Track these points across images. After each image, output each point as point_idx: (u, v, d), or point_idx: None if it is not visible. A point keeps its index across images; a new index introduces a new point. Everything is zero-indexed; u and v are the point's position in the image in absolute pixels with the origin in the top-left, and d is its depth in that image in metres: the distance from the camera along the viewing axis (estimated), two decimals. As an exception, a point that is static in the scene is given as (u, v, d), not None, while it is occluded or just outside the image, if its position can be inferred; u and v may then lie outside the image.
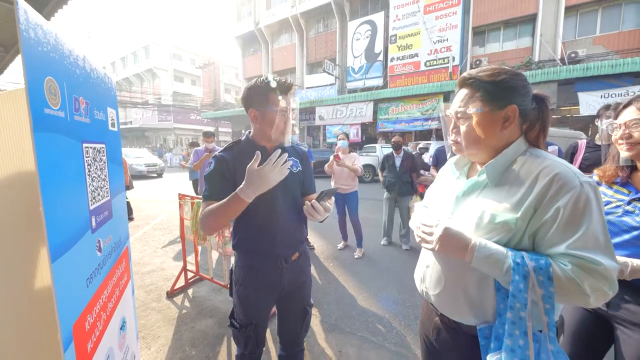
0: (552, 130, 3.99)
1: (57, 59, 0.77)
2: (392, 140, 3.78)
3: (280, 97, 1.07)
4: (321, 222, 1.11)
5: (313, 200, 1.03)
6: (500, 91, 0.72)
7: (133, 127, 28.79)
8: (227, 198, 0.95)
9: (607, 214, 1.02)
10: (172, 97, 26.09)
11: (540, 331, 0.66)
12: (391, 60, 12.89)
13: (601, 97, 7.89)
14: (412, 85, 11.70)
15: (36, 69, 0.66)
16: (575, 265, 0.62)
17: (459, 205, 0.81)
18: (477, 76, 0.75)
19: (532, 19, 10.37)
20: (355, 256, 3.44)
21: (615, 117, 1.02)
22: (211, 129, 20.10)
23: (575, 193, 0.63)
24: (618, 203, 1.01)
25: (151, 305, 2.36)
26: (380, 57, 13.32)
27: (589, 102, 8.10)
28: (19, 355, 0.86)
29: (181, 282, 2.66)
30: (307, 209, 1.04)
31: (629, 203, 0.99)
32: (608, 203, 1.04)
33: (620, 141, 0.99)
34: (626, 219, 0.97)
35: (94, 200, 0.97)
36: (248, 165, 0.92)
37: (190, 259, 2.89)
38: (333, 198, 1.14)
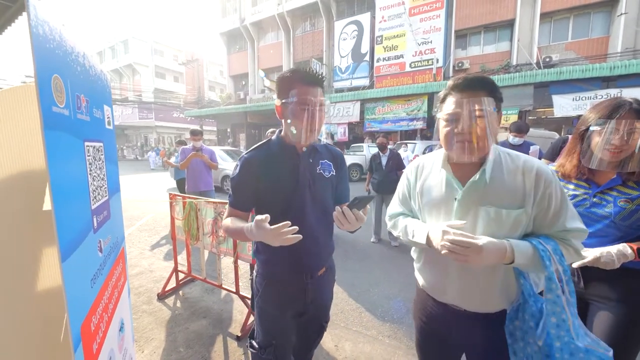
0: (531, 130, 4.23)
1: (62, 56, 0.76)
2: (377, 141, 3.89)
3: (306, 89, 0.93)
4: (352, 232, 0.95)
5: (345, 207, 0.86)
6: (500, 96, 0.82)
7: (111, 124, 27.53)
8: (239, 226, 0.90)
9: (576, 206, 1.11)
10: (154, 94, 25.19)
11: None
12: (377, 61, 13.08)
13: (573, 99, 8.39)
14: (397, 86, 11.92)
15: (45, 66, 0.65)
16: (573, 238, 0.79)
17: (462, 208, 0.83)
18: (491, 82, 0.81)
19: (510, 24, 10.85)
20: None
21: (606, 121, 1.00)
22: (197, 127, 19.59)
23: (555, 181, 0.80)
24: (584, 196, 1.12)
25: (142, 308, 2.31)
26: (367, 58, 13.47)
27: (562, 104, 8.59)
28: (27, 356, 0.84)
29: (172, 284, 2.61)
30: (337, 215, 0.86)
31: (594, 196, 1.10)
32: (575, 197, 1.14)
33: (606, 146, 0.99)
34: (595, 209, 1.09)
35: (95, 200, 0.95)
36: (257, 218, 0.79)
37: (181, 259, 2.84)
38: (368, 207, 0.92)
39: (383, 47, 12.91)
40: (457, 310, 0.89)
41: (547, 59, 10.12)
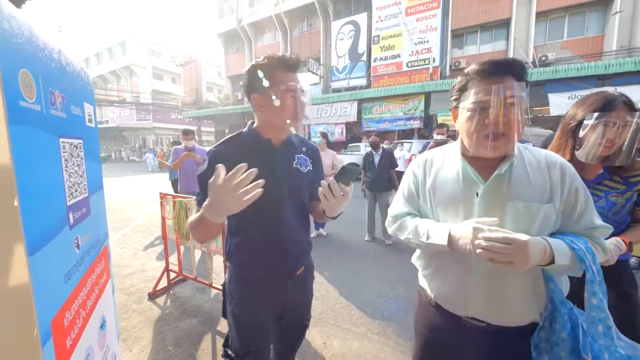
0: (528, 129, 4.25)
1: (32, 51, 0.76)
2: (370, 140, 3.92)
3: (289, 75, 0.88)
4: (334, 218, 0.90)
5: (331, 179, 0.76)
6: (528, 79, 0.72)
7: (110, 126, 27.51)
8: (197, 215, 0.80)
9: None
10: (152, 96, 25.17)
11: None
12: (374, 61, 13.11)
13: (569, 98, 8.41)
14: (394, 86, 11.95)
15: (11, 61, 0.65)
16: (600, 235, 0.74)
17: (486, 204, 0.74)
18: (520, 63, 0.71)
19: (506, 23, 10.88)
20: (312, 235, 3.86)
21: (603, 115, 1.00)
22: (193, 128, 19.60)
23: (577, 175, 0.75)
24: None
25: (132, 307, 2.30)
26: (364, 57, 13.50)
27: (558, 103, 8.62)
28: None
29: (164, 283, 2.61)
30: (322, 190, 0.78)
31: None
32: None
33: (602, 140, 0.99)
34: None
35: (71, 197, 0.95)
36: (210, 180, 0.71)
37: (173, 259, 2.84)
38: (352, 184, 0.81)
39: (380, 47, 12.93)
40: (478, 325, 0.77)
41: (543, 58, 10.16)
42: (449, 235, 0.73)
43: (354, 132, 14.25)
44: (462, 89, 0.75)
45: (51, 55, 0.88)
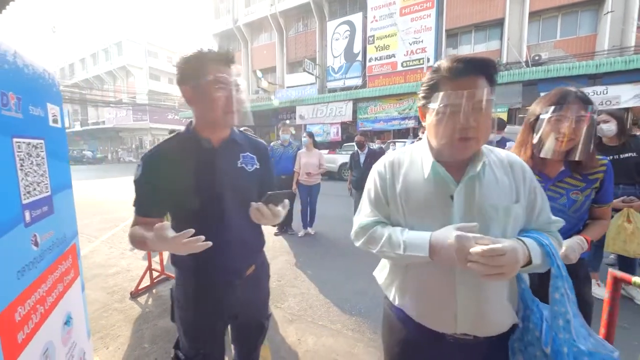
0: (517, 128, 4.29)
1: (-22, 53, 0.78)
2: (355, 139, 3.96)
3: (218, 67, 0.85)
4: (275, 226, 0.99)
5: (259, 204, 0.83)
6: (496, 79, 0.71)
7: (106, 127, 27.46)
8: (143, 236, 0.80)
9: None
10: (148, 96, 25.15)
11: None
12: (369, 61, 13.15)
13: (560, 97, 8.46)
14: (389, 85, 11.99)
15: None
16: (556, 229, 0.77)
17: (463, 207, 0.71)
18: (492, 63, 0.68)
19: (500, 23, 10.93)
20: (300, 234, 3.93)
21: (557, 108, 1.01)
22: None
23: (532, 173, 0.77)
24: None
25: (113, 306, 2.32)
26: (359, 57, 13.54)
27: (550, 102, 8.67)
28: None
29: (147, 282, 2.63)
30: (251, 212, 0.85)
31: (548, 189, 1.09)
32: None
33: (556, 135, 1.00)
34: (551, 203, 1.05)
35: (28, 195, 0.98)
36: (155, 227, 0.72)
37: (158, 258, 2.86)
38: (287, 202, 0.90)
39: (375, 46, 12.98)
40: (463, 339, 0.72)
41: (537, 57, 10.21)
42: (430, 245, 0.67)
43: (349, 132, 14.29)
44: (432, 88, 0.70)
45: (4, 57, 0.90)
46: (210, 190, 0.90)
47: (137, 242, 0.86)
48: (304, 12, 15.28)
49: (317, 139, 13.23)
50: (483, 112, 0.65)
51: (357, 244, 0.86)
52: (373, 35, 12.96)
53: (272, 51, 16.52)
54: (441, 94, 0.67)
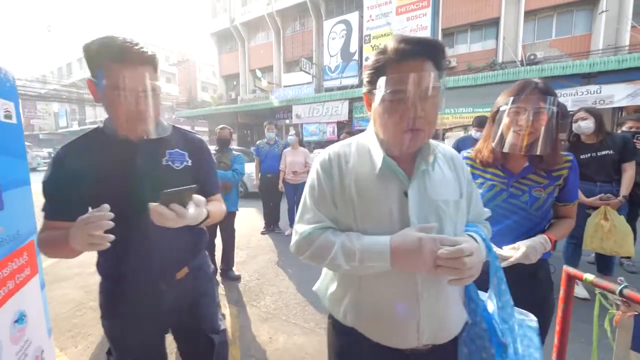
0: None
1: None
2: (341, 137, 3.95)
3: (118, 68, 0.72)
4: (198, 225, 0.83)
5: (156, 204, 0.70)
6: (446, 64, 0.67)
7: (104, 126, 27.42)
8: (58, 236, 0.73)
9: (495, 197, 1.07)
10: (146, 95, 25.06)
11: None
12: (366, 60, 13.07)
13: (555, 96, 8.45)
14: (385, 85, 11.96)
15: None
16: (485, 219, 0.80)
17: (418, 204, 0.65)
18: (441, 47, 0.62)
19: (495, 22, 10.90)
20: (286, 233, 3.98)
21: (515, 99, 0.97)
22: (187, 127, 19.54)
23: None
24: (502, 187, 1.07)
25: (88, 305, 2.31)
26: (356, 57, 13.52)
27: (544, 102, 8.65)
28: None
29: (125, 281, 2.61)
30: (151, 213, 0.71)
31: (511, 185, 1.05)
32: (492, 187, 1.08)
33: (513, 127, 0.96)
34: (513, 200, 1.05)
35: (-31, 191, 0.96)
36: (80, 219, 0.66)
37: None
38: (201, 200, 0.79)
39: (371, 46, 12.94)
40: (422, 350, 0.67)
41: (532, 57, 10.18)
42: (391, 251, 0.59)
43: (345, 131, 14.26)
44: (378, 71, 0.63)
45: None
46: (129, 189, 0.81)
47: (53, 243, 0.77)
48: (300, 11, 15.25)
49: (314, 138, 13.29)
50: (430, 101, 0.59)
51: (301, 257, 0.73)
52: (369, 35, 12.93)
53: (269, 50, 16.49)
54: (386, 78, 0.60)
